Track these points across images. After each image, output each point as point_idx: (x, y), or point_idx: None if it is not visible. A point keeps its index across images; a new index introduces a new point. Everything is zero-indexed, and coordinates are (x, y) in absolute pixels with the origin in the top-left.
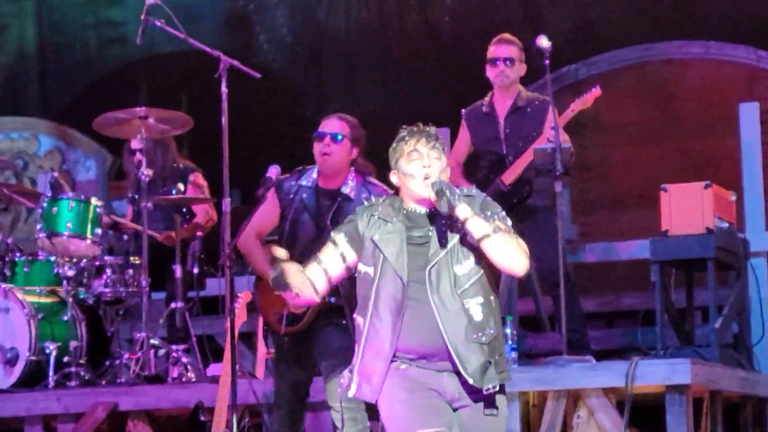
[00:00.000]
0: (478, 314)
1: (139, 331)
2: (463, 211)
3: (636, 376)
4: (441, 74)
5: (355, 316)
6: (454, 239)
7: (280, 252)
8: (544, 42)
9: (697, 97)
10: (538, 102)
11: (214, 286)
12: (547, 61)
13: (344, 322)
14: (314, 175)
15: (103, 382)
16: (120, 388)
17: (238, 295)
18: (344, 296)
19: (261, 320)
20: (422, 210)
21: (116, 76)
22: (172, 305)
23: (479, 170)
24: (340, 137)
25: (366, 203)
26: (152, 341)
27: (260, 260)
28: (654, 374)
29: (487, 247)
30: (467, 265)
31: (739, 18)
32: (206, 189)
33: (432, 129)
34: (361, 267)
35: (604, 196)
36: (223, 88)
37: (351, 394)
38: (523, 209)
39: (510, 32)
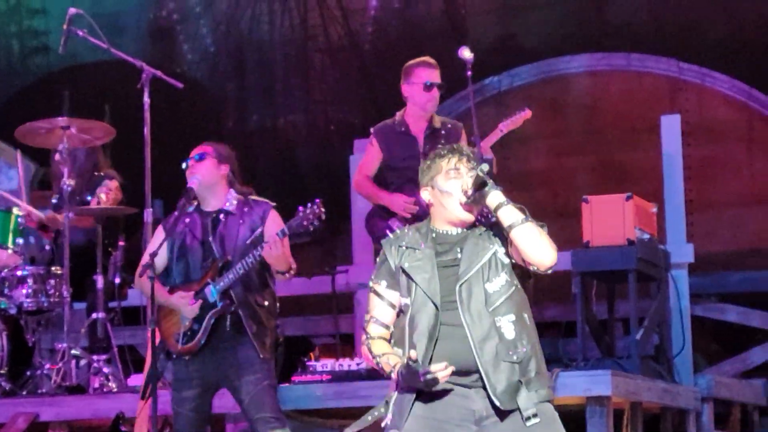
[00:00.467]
0: (510, 332)
1: (61, 342)
2: (497, 196)
3: (557, 388)
4: (364, 85)
5: (394, 347)
6: (485, 256)
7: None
8: (466, 53)
9: (618, 109)
10: (451, 125)
11: (135, 297)
12: (469, 73)
13: (244, 335)
14: (195, 203)
15: (24, 393)
16: (41, 398)
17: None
18: (238, 302)
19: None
20: (453, 231)
21: (39, 86)
22: (94, 315)
23: (396, 189)
24: (202, 156)
25: (391, 235)
26: (73, 351)
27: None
28: (575, 386)
29: (516, 235)
30: (498, 282)
31: (661, 30)
32: (114, 193)
33: (471, 149)
34: (402, 300)
35: (525, 207)
36: (146, 98)
37: (383, 424)
38: None
39: (433, 44)
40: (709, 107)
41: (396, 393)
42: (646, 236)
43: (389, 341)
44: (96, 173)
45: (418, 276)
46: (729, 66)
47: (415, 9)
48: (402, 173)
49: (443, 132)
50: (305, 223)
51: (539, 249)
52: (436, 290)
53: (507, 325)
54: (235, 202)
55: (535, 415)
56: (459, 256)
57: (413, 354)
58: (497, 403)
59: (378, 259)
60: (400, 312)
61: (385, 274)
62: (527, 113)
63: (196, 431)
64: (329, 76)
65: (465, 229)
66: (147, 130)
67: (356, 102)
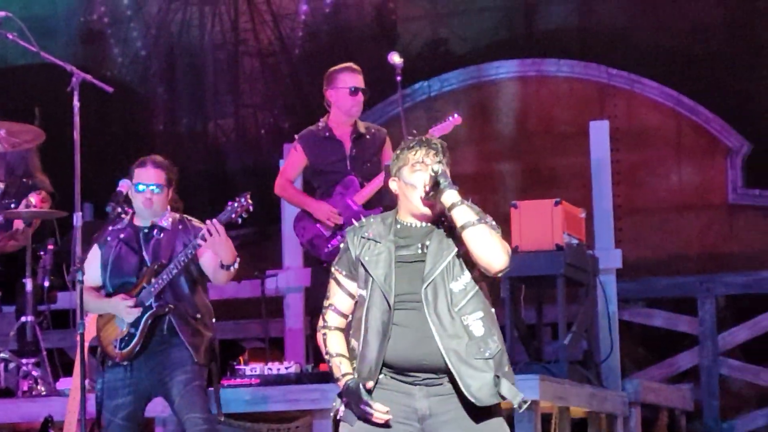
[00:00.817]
0: (479, 329)
1: None
2: (452, 196)
3: None
4: (294, 90)
5: (350, 338)
6: (449, 255)
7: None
8: (396, 58)
9: (548, 115)
10: (375, 130)
11: (64, 300)
12: (399, 77)
13: (177, 338)
14: (128, 218)
15: None
16: None
17: None
18: (171, 302)
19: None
20: (417, 224)
21: None
22: (23, 319)
23: (323, 193)
24: (160, 189)
25: (356, 223)
26: (2, 355)
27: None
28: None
29: (468, 235)
30: (463, 281)
31: (591, 37)
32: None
33: (440, 142)
34: (359, 290)
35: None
36: (76, 102)
37: (339, 417)
38: None
39: (364, 48)
40: (638, 113)
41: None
42: (575, 241)
43: (348, 330)
44: (25, 179)
45: (375, 271)
46: (657, 72)
47: (346, 14)
48: (328, 177)
49: (368, 137)
50: (233, 216)
51: (489, 252)
52: (390, 288)
53: (475, 323)
54: (170, 220)
55: (525, 401)
56: (420, 251)
57: (369, 384)
58: (474, 401)
59: (341, 246)
60: (357, 302)
61: (346, 263)
62: (457, 119)
63: None
64: (259, 81)
65: (429, 224)
66: (77, 134)
67: (286, 106)
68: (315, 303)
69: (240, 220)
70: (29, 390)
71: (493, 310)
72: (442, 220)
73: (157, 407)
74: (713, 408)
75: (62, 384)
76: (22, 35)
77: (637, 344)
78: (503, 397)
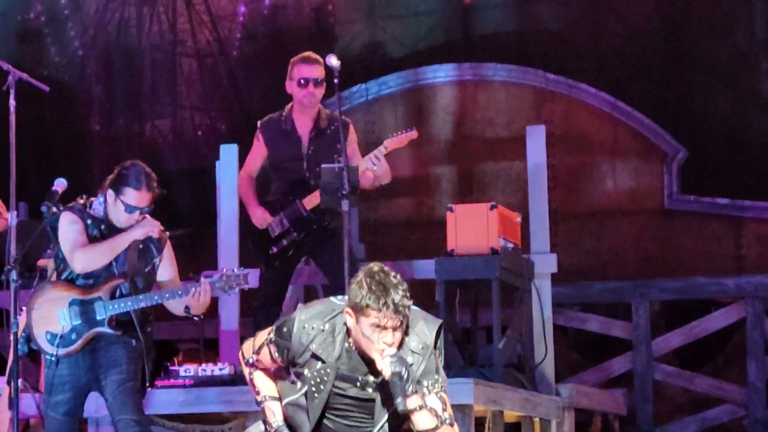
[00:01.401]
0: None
1: None
2: (412, 402)
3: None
4: (232, 90)
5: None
6: (391, 408)
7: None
8: (333, 60)
9: (485, 119)
10: (338, 123)
11: None
12: (336, 80)
13: (126, 337)
14: (101, 204)
15: None
16: None
17: (22, 308)
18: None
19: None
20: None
21: None
22: None
23: (278, 189)
24: (149, 209)
25: (302, 325)
26: None
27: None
28: None
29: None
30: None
31: (528, 41)
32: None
33: (405, 300)
34: (291, 369)
35: (391, 215)
36: (12, 101)
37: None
38: (316, 233)
39: (302, 51)
40: (575, 118)
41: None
42: (510, 245)
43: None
44: None
45: (311, 391)
46: (595, 78)
47: (284, 16)
48: (284, 174)
49: (329, 132)
50: (226, 288)
51: None
52: (318, 410)
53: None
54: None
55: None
56: (359, 385)
57: None
58: None
59: (284, 329)
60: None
61: (284, 351)
62: (413, 133)
63: None
64: (197, 82)
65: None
66: (12, 133)
67: (224, 108)
68: (259, 302)
69: (231, 295)
70: None
71: None
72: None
73: (90, 407)
74: (647, 413)
75: None
76: None
77: (572, 349)
78: None
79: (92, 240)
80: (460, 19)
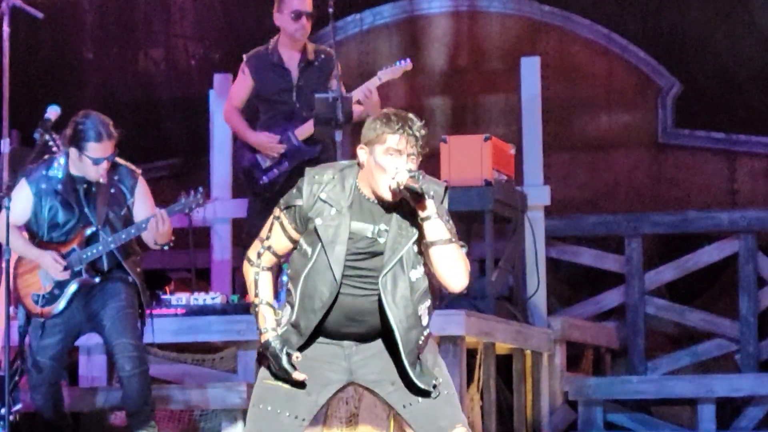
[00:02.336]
0: (425, 318)
1: None
2: (429, 207)
3: None
4: (225, 19)
5: (288, 284)
6: (408, 243)
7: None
8: None
9: (479, 50)
10: (325, 55)
11: None
12: (331, 9)
13: (122, 274)
14: (62, 162)
15: None
16: None
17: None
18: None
19: None
20: (376, 201)
21: None
22: None
23: (267, 120)
24: (113, 156)
25: (312, 172)
26: None
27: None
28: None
29: (437, 252)
30: (420, 270)
31: None
32: None
33: (422, 130)
34: (302, 241)
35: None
36: (5, 27)
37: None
38: (307, 165)
39: None
40: (569, 50)
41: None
42: (504, 178)
43: (276, 269)
44: None
45: (327, 240)
46: (590, 10)
47: None
48: (273, 106)
49: (317, 63)
50: (186, 210)
51: (453, 273)
52: (340, 261)
53: (424, 312)
54: (105, 173)
55: (435, 387)
56: (373, 233)
57: (295, 357)
58: (417, 383)
59: (294, 190)
60: (297, 250)
61: (294, 215)
62: (408, 65)
63: (54, 380)
64: (190, 10)
65: (389, 205)
66: (5, 60)
67: (216, 37)
68: (247, 233)
69: (191, 213)
70: None
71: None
72: (401, 202)
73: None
74: (638, 346)
75: None
76: None
77: (564, 282)
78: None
79: (49, 195)
80: None
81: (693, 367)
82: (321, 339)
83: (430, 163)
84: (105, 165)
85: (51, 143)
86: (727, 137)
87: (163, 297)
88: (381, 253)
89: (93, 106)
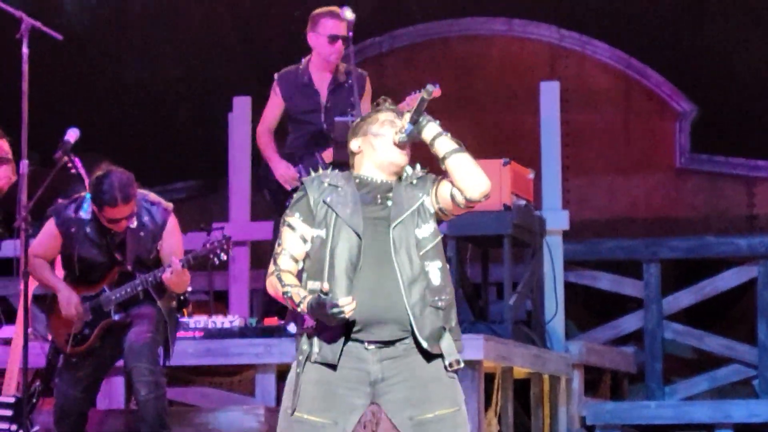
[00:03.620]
0: (436, 278)
1: None
2: (433, 127)
3: None
4: (243, 41)
5: (309, 282)
6: (415, 203)
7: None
8: (348, 14)
9: (498, 74)
10: (356, 76)
11: (9, 248)
12: (350, 33)
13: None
14: (91, 208)
15: None
16: None
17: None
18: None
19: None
20: (378, 178)
21: None
22: None
23: (295, 140)
24: (132, 215)
25: (314, 173)
26: None
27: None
28: None
29: (451, 163)
30: (427, 229)
31: None
32: (10, 155)
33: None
34: (314, 233)
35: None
36: (25, 49)
37: (313, 359)
38: None
39: (316, 2)
40: (589, 75)
41: (290, 373)
42: (522, 202)
43: (299, 275)
44: None
45: (340, 209)
46: (608, 34)
47: None
48: (301, 126)
49: (347, 85)
50: (210, 256)
51: (474, 176)
52: (359, 223)
53: (434, 272)
54: (135, 217)
55: (458, 362)
56: (379, 202)
57: (325, 287)
58: (424, 345)
59: (295, 195)
60: (311, 245)
61: (301, 208)
62: (437, 91)
63: (84, 410)
64: (209, 32)
65: (390, 181)
66: (25, 82)
67: (236, 59)
68: (264, 255)
69: (216, 261)
70: None
71: (447, 265)
72: (402, 178)
73: None
74: (656, 371)
75: (4, 332)
76: None
77: (582, 306)
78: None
79: (79, 240)
80: None
81: (711, 392)
82: (347, 350)
83: None
84: (123, 223)
85: (70, 165)
86: (745, 162)
87: (181, 319)
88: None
89: (111, 128)
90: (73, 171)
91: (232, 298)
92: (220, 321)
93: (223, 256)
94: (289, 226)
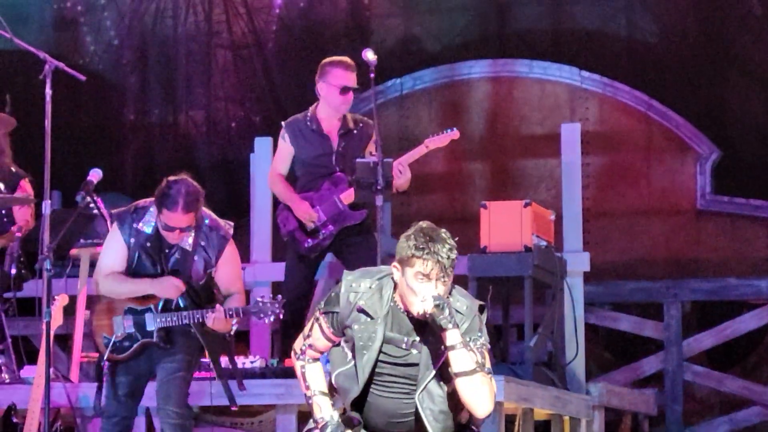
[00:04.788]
0: (465, 417)
1: None
2: (453, 337)
3: None
4: (266, 84)
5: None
6: (442, 358)
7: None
8: (369, 55)
9: (519, 116)
10: (363, 124)
11: (31, 288)
12: (372, 74)
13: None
14: (152, 217)
15: None
16: None
17: (55, 297)
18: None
19: (78, 323)
20: (410, 316)
21: None
22: None
23: (307, 183)
24: (189, 229)
25: (350, 284)
26: None
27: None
28: None
29: (461, 383)
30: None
31: (563, 39)
32: (32, 195)
33: (452, 253)
34: (343, 345)
35: (424, 211)
36: (48, 90)
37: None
38: (349, 228)
39: (337, 44)
40: (610, 117)
41: None
42: (543, 243)
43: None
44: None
45: (360, 346)
46: (629, 76)
47: (320, 9)
48: (314, 170)
49: (356, 132)
50: (261, 315)
51: (477, 402)
52: (364, 374)
53: (467, 415)
54: (191, 238)
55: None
56: (405, 345)
57: (355, 418)
58: None
59: (332, 294)
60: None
61: (332, 320)
62: (455, 133)
63: (129, 414)
64: (232, 73)
65: (424, 321)
66: (48, 122)
67: (258, 100)
68: (285, 295)
69: (265, 321)
70: None
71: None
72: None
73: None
74: (676, 413)
75: (26, 372)
76: None
77: (603, 348)
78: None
79: (140, 252)
80: (496, 15)
81: None
82: None
83: (470, 228)
84: (177, 234)
85: (92, 206)
86: (766, 204)
87: (203, 360)
88: (416, 365)
89: (134, 168)
90: (95, 212)
91: (253, 338)
92: (241, 361)
93: (271, 318)
94: (320, 325)
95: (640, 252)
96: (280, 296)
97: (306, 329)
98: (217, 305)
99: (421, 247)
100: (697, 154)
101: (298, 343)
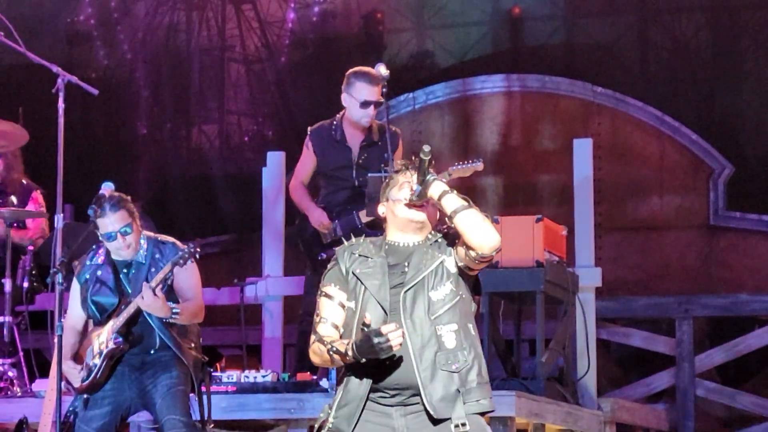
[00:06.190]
0: (450, 341)
1: None
2: (438, 186)
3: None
4: (279, 98)
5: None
6: (432, 265)
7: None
8: (382, 69)
9: (532, 131)
10: (388, 135)
11: (43, 301)
12: (384, 89)
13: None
14: (102, 250)
15: None
16: None
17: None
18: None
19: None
20: (404, 242)
21: None
22: (0, 319)
23: (327, 195)
24: (129, 230)
25: (346, 243)
26: None
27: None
28: None
29: (459, 220)
30: (443, 291)
31: (576, 54)
32: (44, 208)
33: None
34: (347, 303)
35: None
36: (61, 104)
37: (328, 425)
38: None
39: (350, 59)
40: (622, 132)
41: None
42: (555, 259)
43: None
44: (17, 180)
45: (369, 282)
46: (642, 91)
47: (333, 23)
48: (333, 182)
49: (380, 143)
50: (181, 262)
51: (481, 232)
52: (385, 297)
53: (448, 335)
54: (145, 246)
55: (463, 425)
56: (405, 268)
57: (367, 318)
58: (432, 412)
59: (329, 265)
60: (346, 314)
61: (335, 278)
62: (480, 165)
63: None
64: (244, 87)
65: (416, 243)
66: (61, 136)
67: (270, 114)
68: (304, 310)
69: (190, 263)
70: (4, 391)
71: (471, 325)
72: (431, 232)
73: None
74: (688, 429)
75: (38, 385)
76: (9, 35)
77: (614, 363)
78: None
79: (95, 284)
80: (509, 31)
81: None
82: (371, 402)
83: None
84: (120, 240)
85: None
86: None
87: (214, 374)
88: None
89: (147, 182)
90: None
91: (264, 352)
92: (252, 375)
93: (193, 258)
94: (326, 295)
95: (653, 268)
96: (198, 239)
97: (316, 311)
98: (144, 283)
99: (398, 167)
100: (709, 169)
101: (313, 327)
